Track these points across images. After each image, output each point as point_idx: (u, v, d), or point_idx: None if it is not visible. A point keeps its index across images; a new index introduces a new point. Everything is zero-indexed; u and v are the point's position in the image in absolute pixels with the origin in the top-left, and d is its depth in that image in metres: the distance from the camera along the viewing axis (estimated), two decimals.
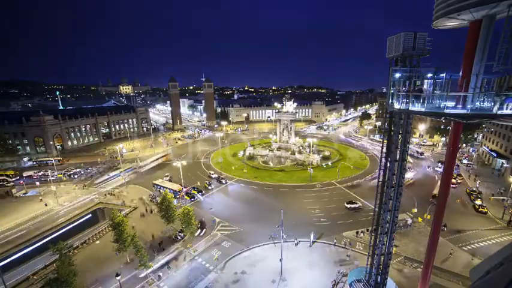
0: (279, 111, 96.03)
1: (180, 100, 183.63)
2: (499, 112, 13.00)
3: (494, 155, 72.43)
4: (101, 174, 76.78)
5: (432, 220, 24.73)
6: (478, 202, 52.11)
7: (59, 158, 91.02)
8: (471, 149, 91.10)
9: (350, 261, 37.58)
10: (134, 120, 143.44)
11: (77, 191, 64.70)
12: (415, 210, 47.98)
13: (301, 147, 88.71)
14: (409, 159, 78.16)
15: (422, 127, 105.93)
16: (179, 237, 44.35)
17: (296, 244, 41.65)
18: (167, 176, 72.98)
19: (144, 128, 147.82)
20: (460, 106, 15.89)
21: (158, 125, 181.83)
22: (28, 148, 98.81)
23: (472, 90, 15.50)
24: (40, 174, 76.72)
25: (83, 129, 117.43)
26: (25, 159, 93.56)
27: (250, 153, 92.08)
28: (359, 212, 51.59)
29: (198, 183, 67.22)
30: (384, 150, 23.71)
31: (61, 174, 76.18)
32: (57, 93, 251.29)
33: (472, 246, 40.46)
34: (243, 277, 35.47)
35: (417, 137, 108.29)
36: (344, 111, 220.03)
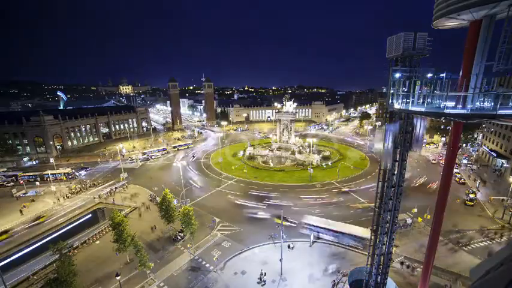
0: (279, 111, 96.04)
1: (180, 100, 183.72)
2: (499, 112, 13.00)
3: (494, 155, 72.42)
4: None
5: (432, 220, 24.73)
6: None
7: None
8: (471, 149, 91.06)
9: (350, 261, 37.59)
10: (134, 120, 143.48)
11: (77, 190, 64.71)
12: (415, 210, 47.97)
13: (301, 147, 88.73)
14: None
15: None
16: (179, 237, 44.37)
17: (292, 248, 40.63)
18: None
19: (144, 128, 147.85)
20: (460, 106, 15.89)
21: (158, 125, 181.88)
22: (28, 148, 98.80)
23: (472, 90, 15.50)
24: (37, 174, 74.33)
25: (83, 129, 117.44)
26: (25, 159, 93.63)
27: (250, 153, 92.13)
28: (354, 208, 51.57)
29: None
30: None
31: (63, 176, 76.12)
32: (62, 94, 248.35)
33: (472, 246, 40.47)
34: (243, 277, 35.47)
35: None
36: (344, 111, 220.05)
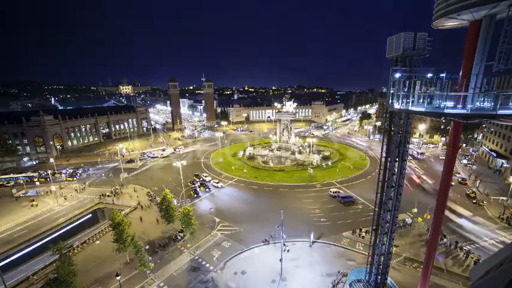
0: (279, 111, 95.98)
1: (180, 100, 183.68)
2: (499, 112, 13.00)
3: (494, 155, 72.42)
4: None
5: (432, 220, 24.74)
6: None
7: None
8: (471, 148, 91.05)
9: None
10: (134, 120, 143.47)
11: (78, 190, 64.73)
12: (415, 210, 48.01)
13: (301, 147, 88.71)
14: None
15: (422, 127, 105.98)
16: (179, 237, 44.39)
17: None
18: None
19: (144, 128, 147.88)
20: (460, 106, 15.89)
21: (158, 125, 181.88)
22: (28, 148, 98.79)
23: (472, 90, 15.50)
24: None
25: (83, 129, 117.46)
26: (25, 159, 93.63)
27: (250, 153, 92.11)
28: (354, 208, 51.60)
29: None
30: (384, 150, 23.70)
31: (58, 174, 76.25)
32: (53, 99, 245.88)
33: (472, 246, 40.45)
34: (243, 277, 35.47)
35: (417, 137, 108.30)
36: (344, 111, 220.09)
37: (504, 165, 69.21)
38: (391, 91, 19.88)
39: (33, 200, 59.37)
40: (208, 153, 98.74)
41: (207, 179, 70.16)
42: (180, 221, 40.90)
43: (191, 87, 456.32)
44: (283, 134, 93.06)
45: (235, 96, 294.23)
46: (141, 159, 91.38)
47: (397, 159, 22.71)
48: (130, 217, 51.32)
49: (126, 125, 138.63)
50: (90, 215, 56.79)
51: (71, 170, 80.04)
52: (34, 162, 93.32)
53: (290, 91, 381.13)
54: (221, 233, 45.60)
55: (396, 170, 22.86)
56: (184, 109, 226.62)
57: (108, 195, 61.06)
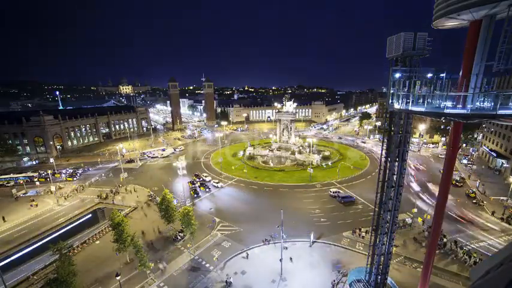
0: (279, 111, 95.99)
1: (180, 100, 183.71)
2: (499, 112, 12.99)
3: (494, 155, 72.42)
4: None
5: (432, 220, 24.74)
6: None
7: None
8: (471, 148, 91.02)
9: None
10: (134, 120, 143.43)
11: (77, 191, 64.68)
12: (415, 210, 48.00)
13: (301, 147, 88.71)
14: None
15: (422, 127, 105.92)
16: (179, 237, 44.39)
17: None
18: None
19: (144, 128, 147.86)
20: (460, 106, 15.88)
21: (158, 125, 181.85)
22: (28, 148, 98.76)
23: (472, 90, 15.49)
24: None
25: (83, 129, 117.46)
26: (25, 159, 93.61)
27: (250, 153, 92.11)
28: (354, 208, 51.59)
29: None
30: (384, 150, 23.70)
31: (58, 174, 76.23)
32: (57, 93, 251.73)
33: (472, 246, 40.44)
34: (243, 277, 35.47)
35: (417, 137, 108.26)
36: (344, 111, 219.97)
37: (504, 165, 69.21)
38: (391, 91, 19.88)
39: (33, 200, 59.36)
40: (208, 153, 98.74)
41: (207, 179, 70.17)
42: (180, 221, 40.91)
43: (191, 87, 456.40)
44: (283, 134, 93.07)
45: (235, 96, 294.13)
46: (141, 159, 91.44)
47: (397, 159, 22.72)
48: (130, 217, 51.33)
49: (126, 125, 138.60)
50: (90, 215, 56.79)
51: (71, 170, 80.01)
52: (34, 162, 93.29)
53: (290, 91, 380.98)
54: (221, 233, 45.60)
55: (396, 170, 22.87)
56: (184, 109, 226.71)
57: (107, 197, 61.04)
